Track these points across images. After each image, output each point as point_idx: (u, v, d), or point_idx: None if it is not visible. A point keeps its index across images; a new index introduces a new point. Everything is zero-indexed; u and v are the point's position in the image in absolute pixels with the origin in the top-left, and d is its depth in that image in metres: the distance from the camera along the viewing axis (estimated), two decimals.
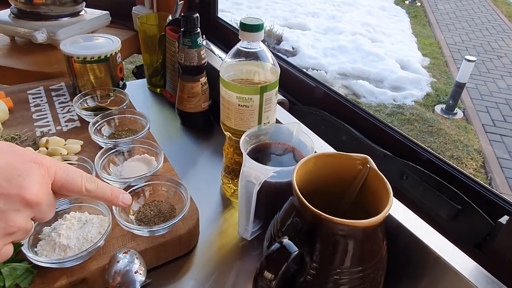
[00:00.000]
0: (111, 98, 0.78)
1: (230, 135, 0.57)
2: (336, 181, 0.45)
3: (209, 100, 0.80)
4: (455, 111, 3.12)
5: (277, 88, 0.54)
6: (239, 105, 0.53)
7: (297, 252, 0.36)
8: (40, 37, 0.94)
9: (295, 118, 0.65)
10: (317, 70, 3.56)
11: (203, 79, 0.77)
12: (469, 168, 2.60)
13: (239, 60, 0.54)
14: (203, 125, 0.82)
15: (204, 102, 0.78)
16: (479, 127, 2.99)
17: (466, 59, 2.98)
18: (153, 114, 0.85)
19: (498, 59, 4.05)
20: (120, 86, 0.82)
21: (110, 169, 0.59)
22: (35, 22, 0.97)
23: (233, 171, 0.61)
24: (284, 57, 2.10)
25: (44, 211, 0.34)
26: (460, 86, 3.06)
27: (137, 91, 0.94)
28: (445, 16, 5.18)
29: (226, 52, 1.00)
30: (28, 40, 1.00)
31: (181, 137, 0.80)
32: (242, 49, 0.53)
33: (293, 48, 3.87)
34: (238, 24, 0.52)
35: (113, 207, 0.49)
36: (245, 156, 0.48)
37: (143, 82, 0.99)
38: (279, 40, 4.02)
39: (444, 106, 3.17)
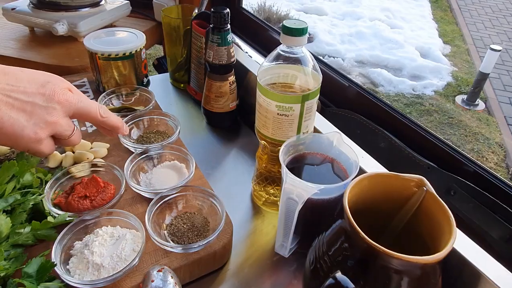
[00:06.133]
0: (135, 96, 0.75)
1: (266, 143, 0.54)
2: (387, 202, 0.42)
3: (237, 100, 0.76)
4: (476, 102, 3.03)
5: (318, 96, 0.50)
6: (278, 113, 0.49)
7: None
8: (61, 29, 0.91)
9: (332, 125, 0.61)
10: (333, 58, 3.48)
11: (232, 78, 0.73)
12: (490, 162, 2.53)
13: (277, 63, 0.50)
14: (230, 125, 0.79)
15: (232, 102, 0.75)
16: (501, 120, 2.90)
17: (491, 48, 2.87)
18: (176, 112, 0.82)
19: None
20: (144, 83, 0.79)
21: (140, 176, 0.56)
22: (55, 13, 0.94)
23: (266, 179, 0.59)
24: None
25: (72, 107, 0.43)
26: (483, 77, 2.96)
27: (159, 86, 0.91)
28: (467, 1, 4.99)
29: (252, 46, 0.96)
30: (47, 31, 0.97)
31: (207, 137, 0.77)
32: (283, 53, 0.49)
33: (309, 34, 3.78)
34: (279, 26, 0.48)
35: (146, 221, 0.47)
36: (286, 171, 0.45)
37: (165, 76, 0.95)
38: None
39: (465, 96, 3.07)
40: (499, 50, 2.86)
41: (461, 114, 2.93)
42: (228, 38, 0.68)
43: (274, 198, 0.60)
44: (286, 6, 4.11)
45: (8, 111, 0.39)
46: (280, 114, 0.49)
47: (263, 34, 0.96)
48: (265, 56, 0.90)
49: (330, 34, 3.79)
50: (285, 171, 0.45)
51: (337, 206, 0.50)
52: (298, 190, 0.44)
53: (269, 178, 0.58)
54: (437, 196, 0.38)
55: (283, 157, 0.48)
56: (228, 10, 0.66)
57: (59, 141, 0.45)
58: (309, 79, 0.49)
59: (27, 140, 0.40)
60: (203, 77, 0.79)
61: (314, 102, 0.50)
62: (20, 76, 0.40)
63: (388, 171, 0.40)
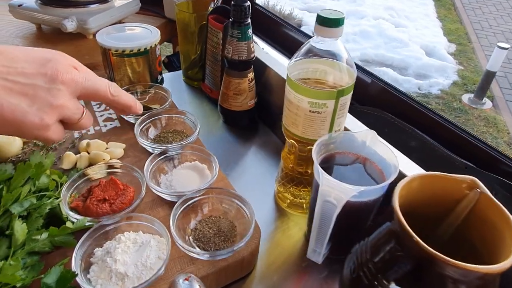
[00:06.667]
0: (150, 94, 0.72)
1: (295, 142, 0.51)
2: (435, 205, 0.39)
3: (255, 97, 0.73)
4: (483, 101, 3.00)
5: (352, 91, 0.47)
6: (310, 110, 0.46)
7: None
8: (70, 25, 0.88)
9: (362, 124, 0.58)
10: None
11: (251, 75, 0.70)
12: None
13: (309, 57, 0.47)
14: (248, 124, 0.76)
15: (250, 100, 0.72)
16: (509, 118, 2.86)
17: (498, 46, 2.84)
18: (191, 111, 0.78)
19: None
20: (159, 81, 0.76)
21: (160, 178, 0.53)
22: (63, 9, 0.91)
23: (292, 180, 0.55)
24: None
25: (79, 87, 0.37)
26: (490, 75, 2.93)
27: (171, 84, 0.88)
28: (471, 0, 4.96)
29: (267, 42, 0.93)
30: (55, 28, 0.94)
31: (224, 136, 0.74)
32: (316, 46, 0.46)
33: (313, 34, 3.75)
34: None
35: (171, 225, 0.44)
36: (321, 172, 0.42)
37: (177, 74, 0.92)
38: (299, 25, 3.89)
39: (472, 95, 3.04)
40: (507, 48, 2.83)
41: (468, 113, 2.90)
42: (249, 33, 0.65)
43: (300, 200, 0.57)
44: (289, 6, 4.07)
45: (7, 96, 0.34)
46: (313, 111, 0.46)
47: (278, 30, 0.93)
48: (280, 52, 0.87)
49: None
50: (320, 171, 0.42)
51: (373, 209, 0.47)
52: (336, 192, 0.41)
53: (296, 179, 0.55)
54: (494, 198, 0.35)
55: (316, 157, 0.45)
56: (249, 3, 0.63)
57: (68, 125, 0.40)
58: (344, 73, 0.46)
59: (32, 127, 0.36)
60: (219, 74, 0.76)
61: (348, 99, 0.47)
62: (16, 55, 0.35)
63: (438, 172, 0.37)
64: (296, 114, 0.48)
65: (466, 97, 3.05)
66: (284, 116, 0.51)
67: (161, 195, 0.50)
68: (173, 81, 0.89)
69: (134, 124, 0.60)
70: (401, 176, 0.42)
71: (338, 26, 0.43)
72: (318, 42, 0.45)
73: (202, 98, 0.84)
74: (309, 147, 0.50)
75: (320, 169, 0.42)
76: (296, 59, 0.48)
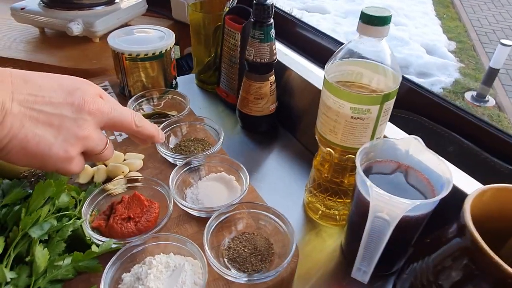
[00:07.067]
0: (165, 100, 0.68)
1: (332, 151, 0.47)
2: (503, 220, 0.35)
3: (276, 102, 0.69)
4: (486, 99, 2.97)
5: (395, 96, 0.44)
6: (352, 117, 0.43)
7: None
8: (76, 28, 0.83)
9: (400, 129, 0.54)
10: None
11: (272, 78, 0.66)
12: None
13: (348, 59, 0.43)
14: (269, 129, 0.72)
15: (272, 104, 0.68)
16: None
17: (501, 43, 2.82)
18: (206, 116, 0.75)
19: None
20: (173, 86, 0.72)
21: (185, 191, 0.49)
22: (68, 11, 0.87)
23: (326, 190, 0.52)
24: None
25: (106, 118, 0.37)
26: (493, 72, 2.90)
27: (184, 89, 0.83)
28: None
29: (282, 43, 0.89)
30: (59, 32, 0.90)
31: (243, 142, 0.70)
32: (358, 46, 0.42)
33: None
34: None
35: (205, 245, 0.40)
36: (371, 185, 0.38)
37: (189, 78, 0.88)
38: None
39: (474, 93, 3.02)
40: (510, 45, 2.81)
41: (472, 110, 2.87)
42: (271, 33, 0.61)
43: (334, 211, 0.53)
44: (288, 5, 4.04)
45: (33, 127, 0.32)
46: (355, 118, 0.42)
47: (296, 32, 0.89)
48: (296, 52, 0.83)
49: (334, 33, 3.72)
50: (367, 184, 0.38)
51: (422, 223, 0.44)
52: (390, 207, 0.37)
53: (331, 190, 0.51)
54: None
55: (360, 166, 0.42)
56: (272, 1, 0.59)
57: (90, 157, 0.39)
58: (388, 76, 0.42)
59: (56, 160, 0.34)
60: (237, 77, 0.72)
61: (392, 104, 0.43)
62: (43, 83, 0.34)
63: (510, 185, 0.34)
64: (336, 120, 0.44)
65: (469, 95, 3.03)
66: (319, 123, 0.47)
67: (189, 211, 0.46)
68: (185, 85, 0.85)
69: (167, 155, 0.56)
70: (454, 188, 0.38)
71: (385, 25, 0.39)
72: (361, 43, 0.42)
73: (217, 103, 0.80)
74: (348, 155, 0.47)
75: (369, 181, 0.39)
76: (334, 60, 0.44)
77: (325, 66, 0.44)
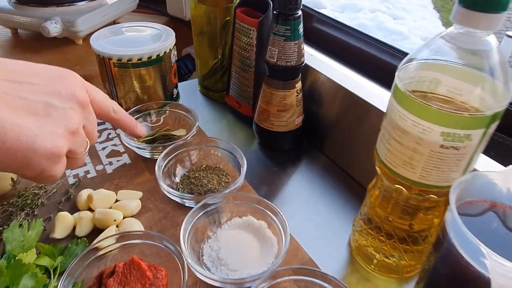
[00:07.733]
0: (164, 115, 0.54)
1: (403, 189, 0.34)
2: None
3: (302, 114, 0.56)
4: None
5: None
6: (442, 146, 0.30)
7: None
8: (53, 28, 0.70)
9: (492, 160, 0.41)
10: None
11: (299, 85, 0.53)
12: None
13: (434, 60, 0.30)
14: (293, 147, 0.59)
15: (298, 117, 0.55)
16: None
17: (507, 35, 2.72)
18: (214, 131, 0.62)
19: None
20: (174, 96, 0.59)
21: (202, 247, 0.36)
22: (44, 8, 0.73)
23: (388, 237, 0.39)
24: None
25: (91, 120, 0.33)
26: None
27: (186, 98, 0.70)
28: None
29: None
30: (35, 33, 0.76)
31: (261, 163, 0.57)
32: (453, 42, 0.29)
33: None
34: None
35: None
36: (488, 252, 0.25)
37: (190, 84, 0.75)
38: None
39: None
40: None
41: None
42: (300, 29, 0.48)
43: (401, 262, 0.40)
44: None
45: (11, 116, 0.26)
46: (446, 147, 0.30)
47: (315, 31, 0.76)
48: (321, 52, 0.70)
49: None
50: (485, 251, 0.26)
51: None
52: None
53: (393, 238, 0.38)
54: None
55: (457, 213, 0.29)
56: None
57: (68, 160, 0.33)
58: (495, 87, 0.30)
59: (42, 156, 0.28)
60: (252, 83, 0.59)
61: (495, 126, 0.31)
62: (24, 69, 0.29)
63: None
64: (415, 150, 0.31)
65: None
66: (385, 150, 0.34)
67: (210, 282, 0.33)
68: (186, 93, 0.72)
69: (149, 159, 0.43)
70: None
71: (499, 12, 0.27)
72: (458, 37, 0.29)
73: (225, 113, 0.67)
74: (427, 196, 0.34)
75: (485, 248, 0.26)
76: (410, 62, 0.31)
77: (397, 70, 0.32)
